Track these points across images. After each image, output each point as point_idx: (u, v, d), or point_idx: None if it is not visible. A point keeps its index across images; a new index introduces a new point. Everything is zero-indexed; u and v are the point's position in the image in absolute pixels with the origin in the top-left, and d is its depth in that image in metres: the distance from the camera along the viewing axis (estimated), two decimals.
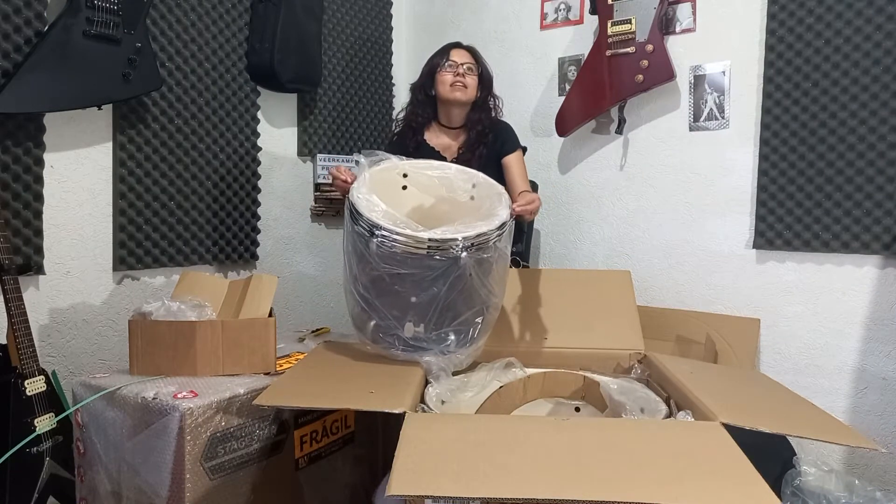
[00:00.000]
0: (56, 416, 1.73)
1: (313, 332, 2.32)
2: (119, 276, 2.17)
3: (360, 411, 1.75)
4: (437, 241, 1.51)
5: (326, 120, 2.83)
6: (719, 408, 1.31)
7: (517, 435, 1.20)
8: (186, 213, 2.31)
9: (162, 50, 2.21)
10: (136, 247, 2.17)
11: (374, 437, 1.98)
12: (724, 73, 2.48)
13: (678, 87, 2.56)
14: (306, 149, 2.77)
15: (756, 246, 2.40)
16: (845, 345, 2.26)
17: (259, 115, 2.57)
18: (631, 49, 2.51)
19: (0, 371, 1.69)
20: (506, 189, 2.10)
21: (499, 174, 2.22)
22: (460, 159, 2.18)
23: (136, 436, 1.51)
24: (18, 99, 1.79)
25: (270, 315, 1.80)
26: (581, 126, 2.74)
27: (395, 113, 3.16)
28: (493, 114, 2.27)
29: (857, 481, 1.99)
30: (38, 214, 1.93)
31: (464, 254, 1.51)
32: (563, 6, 2.85)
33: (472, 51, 2.24)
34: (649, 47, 2.48)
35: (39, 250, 1.93)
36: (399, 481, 1.01)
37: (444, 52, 2.22)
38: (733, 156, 2.46)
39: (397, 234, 1.52)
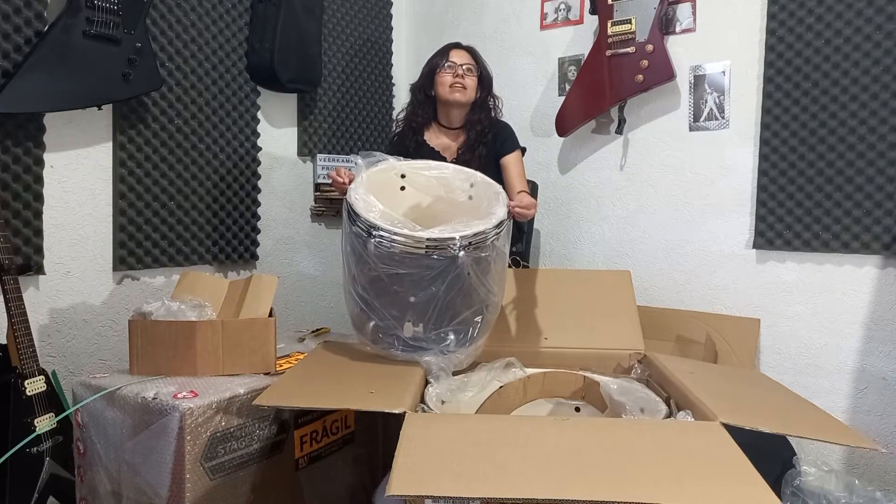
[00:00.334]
0: (56, 416, 1.73)
1: (313, 332, 2.32)
2: (119, 276, 2.17)
3: (360, 411, 1.75)
4: (434, 240, 1.51)
5: (326, 120, 2.83)
6: (719, 408, 1.31)
7: (517, 435, 1.20)
8: (186, 213, 2.31)
9: (162, 50, 2.21)
10: (136, 247, 2.17)
11: (374, 437, 1.98)
12: (724, 73, 2.48)
13: (678, 87, 2.56)
14: (306, 149, 2.77)
15: (756, 246, 2.40)
16: (845, 345, 2.26)
17: (259, 115, 2.57)
18: (631, 49, 2.51)
19: (0, 371, 1.69)
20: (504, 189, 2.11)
21: (498, 174, 2.22)
22: (460, 159, 2.18)
23: (136, 436, 1.51)
24: (18, 99, 1.79)
25: (270, 315, 1.80)
26: (581, 126, 2.74)
27: (395, 113, 3.16)
28: (493, 114, 2.27)
29: (857, 481, 1.99)
30: (38, 214, 1.93)
31: (461, 253, 1.51)
32: (563, 6, 2.85)
33: (471, 51, 2.24)
34: (649, 47, 2.48)
35: (39, 250, 1.93)
36: (399, 481, 1.01)
37: (444, 52, 2.22)
38: (733, 156, 2.46)
39: (395, 234, 1.52)
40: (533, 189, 2.57)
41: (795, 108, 2.29)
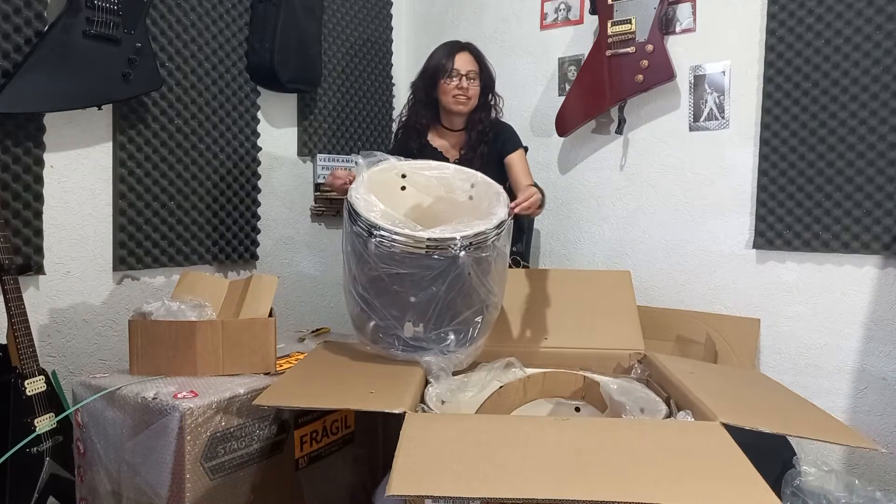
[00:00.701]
0: (56, 416, 1.73)
1: (313, 332, 2.32)
2: (119, 276, 2.17)
3: (360, 411, 1.75)
4: (435, 240, 1.51)
5: (326, 120, 2.83)
6: (719, 408, 1.31)
7: (517, 435, 1.20)
8: (186, 213, 2.31)
9: (162, 50, 2.21)
10: (136, 247, 2.17)
11: (374, 437, 1.98)
12: (724, 73, 2.48)
13: (678, 87, 2.56)
14: (306, 149, 2.77)
15: (756, 246, 2.40)
16: (845, 345, 2.26)
17: (259, 115, 2.57)
18: (631, 49, 2.51)
19: (0, 371, 1.69)
20: (511, 188, 2.11)
21: (500, 174, 2.22)
22: (462, 160, 2.18)
23: (136, 436, 1.51)
24: (18, 99, 1.79)
25: (270, 315, 1.80)
26: (581, 126, 2.74)
27: (394, 113, 3.17)
28: (494, 113, 2.27)
29: (857, 481, 1.99)
30: (38, 214, 1.93)
31: (462, 253, 1.51)
32: (563, 6, 2.85)
33: (474, 53, 2.21)
34: (649, 47, 2.48)
35: (39, 250, 1.93)
36: (399, 481, 1.01)
37: (449, 55, 2.17)
38: (733, 156, 2.46)
39: (396, 233, 1.52)
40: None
41: (795, 108, 2.29)
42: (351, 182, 1.71)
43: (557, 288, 2.04)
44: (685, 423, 1.33)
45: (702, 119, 2.53)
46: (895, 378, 2.19)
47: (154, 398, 1.49)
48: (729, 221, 2.47)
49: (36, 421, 1.69)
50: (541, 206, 1.90)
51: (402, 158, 1.87)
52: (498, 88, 2.30)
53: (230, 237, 2.46)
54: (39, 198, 1.93)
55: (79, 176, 2.05)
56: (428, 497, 1.02)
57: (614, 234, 2.73)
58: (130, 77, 2.00)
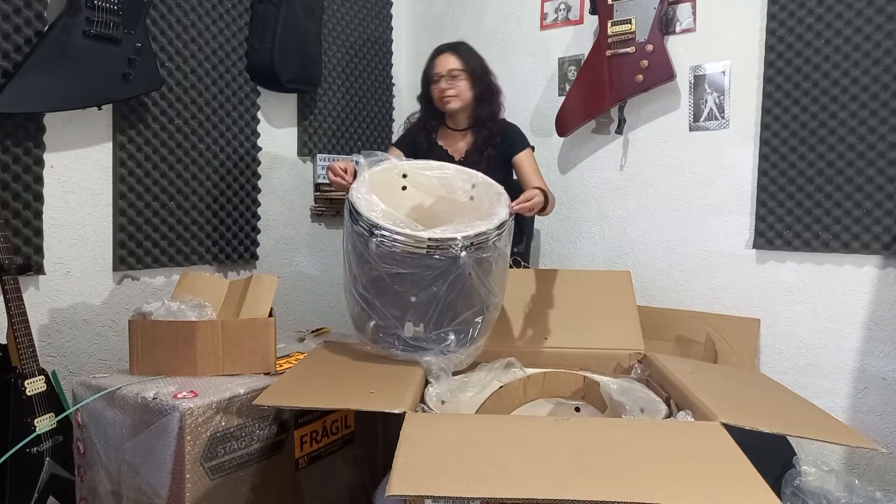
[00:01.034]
0: (56, 416, 1.73)
1: (313, 332, 2.31)
2: (119, 276, 2.17)
3: (360, 411, 1.75)
4: (436, 240, 1.51)
5: (326, 120, 2.83)
6: (719, 408, 1.31)
7: (517, 435, 1.20)
8: (186, 213, 2.31)
9: (162, 50, 2.21)
10: (136, 247, 2.17)
11: (374, 437, 1.98)
12: (724, 73, 2.48)
13: (678, 87, 2.56)
14: (306, 149, 2.77)
15: (756, 246, 2.40)
16: (845, 345, 2.26)
17: (259, 115, 2.57)
18: (631, 49, 2.51)
19: (0, 371, 1.69)
20: (521, 187, 2.11)
21: (507, 175, 2.23)
22: (468, 160, 2.19)
23: (136, 436, 1.51)
24: (18, 99, 1.79)
25: (270, 315, 1.80)
26: (581, 126, 2.74)
27: (394, 113, 3.17)
28: (499, 109, 2.28)
29: (857, 481, 1.99)
30: (38, 214, 1.93)
31: (463, 253, 1.51)
32: (563, 6, 2.85)
33: (455, 51, 2.23)
34: (649, 47, 2.48)
35: (39, 250, 1.93)
36: (399, 481, 1.01)
37: (430, 61, 2.24)
38: (733, 156, 2.46)
39: (397, 233, 1.52)
40: None
41: (795, 108, 2.30)
42: (350, 177, 1.72)
43: (557, 288, 2.04)
44: (685, 423, 1.33)
45: (702, 119, 2.53)
46: (895, 378, 2.19)
47: (154, 398, 1.49)
48: (729, 221, 2.48)
49: (36, 421, 1.69)
50: (544, 208, 1.91)
51: (403, 158, 1.87)
52: None
53: (230, 237, 2.46)
54: (39, 198, 1.93)
55: (79, 176, 2.05)
56: (428, 497, 1.02)
57: (614, 234, 2.73)
58: (130, 77, 2.00)
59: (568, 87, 2.79)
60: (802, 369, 2.33)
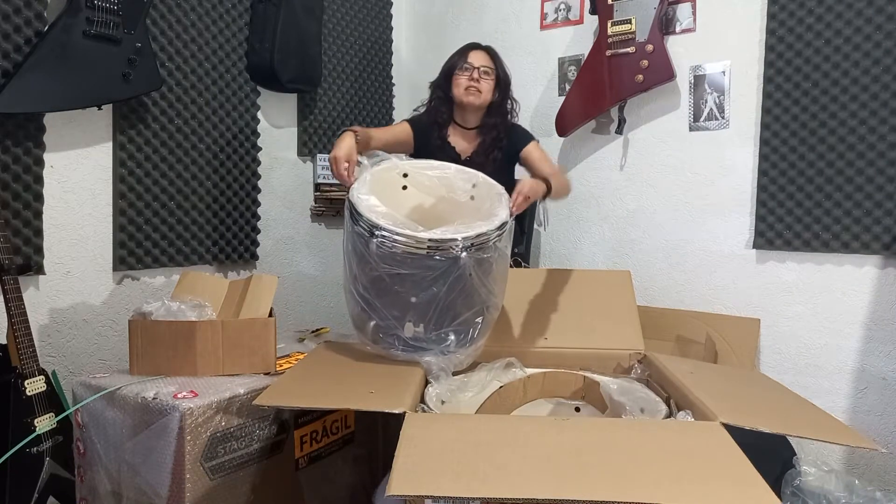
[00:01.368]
0: (56, 416, 1.73)
1: (313, 332, 2.31)
2: (119, 276, 2.17)
3: (360, 411, 1.75)
4: (436, 241, 1.51)
5: (326, 120, 2.83)
6: (719, 408, 1.31)
7: (517, 435, 1.20)
8: (186, 213, 2.31)
9: (162, 50, 2.21)
10: (136, 247, 2.17)
11: (374, 437, 1.98)
12: (724, 73, 2.48)
13: (678, 87, 2.56)
14: (306, 149, 2.77)
15: (756, 246, 2.40)
16: (845, 345, 2.26)
17: (259, 115, 2.57)
18: (631, 49, 2.51)
19: (0, 371, 1.69)
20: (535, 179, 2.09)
21: (510, 177, 2.22)
22: (473, 161, 2.17)
23: (136, 436, 1.51)
24: (18, 99, 1.79)
25: (270, 315, 1.80)
26: (581, 126, 2.74)
27: (394, 113, 3.17)
28: (510, 117, 2.27)
29: (857, 481, 1.99)
30: (38, 214, 1.93)
31: (464, 254, 1.51)
32: (563, 6, 2.85)
33: (490, 52, 2.24)
34: (649, 47, 2.48)
35: (39, 250, 1.93)
36: (399, 481, 1.01)
37: (463, 52, 2.22)
38: (733, 156, 2.46)
39: (397, 234, 1.51)
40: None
41: (795, 108, 2.30)
42: (351, 174, 1.71)
43: (557, 288, 2.04)
44: (685, 423, 1.33)
45: (702, 119, 2.53)
46: (895, 378, 2.19)
47: (154, 398, 1.49)
48: (729, 221, 2.48)
49: (36, 421, 1.69)
50: (549, 192, 1.86)
51: (403, 158, 1.86)
52: None
53: (230, 237, 2.46)
54: (39, 198, 1.93)
55: (79, 176, 2.05)
56: (428, 497, 1.02)
57: (614, 234, 2.73)
58: (130, 77, 2.00)
59: (568, 87, 2.79)
60: (802, 369, 2.33)
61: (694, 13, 2.54)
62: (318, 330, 2.34)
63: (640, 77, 2.51)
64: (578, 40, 2.80)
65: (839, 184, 2.23)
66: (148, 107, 2.17)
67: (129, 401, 1.53)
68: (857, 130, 2.19)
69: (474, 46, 2.24)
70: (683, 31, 2.56)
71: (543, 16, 2.90)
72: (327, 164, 2.81)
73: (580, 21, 2.80)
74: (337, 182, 2.26)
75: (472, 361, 1.72)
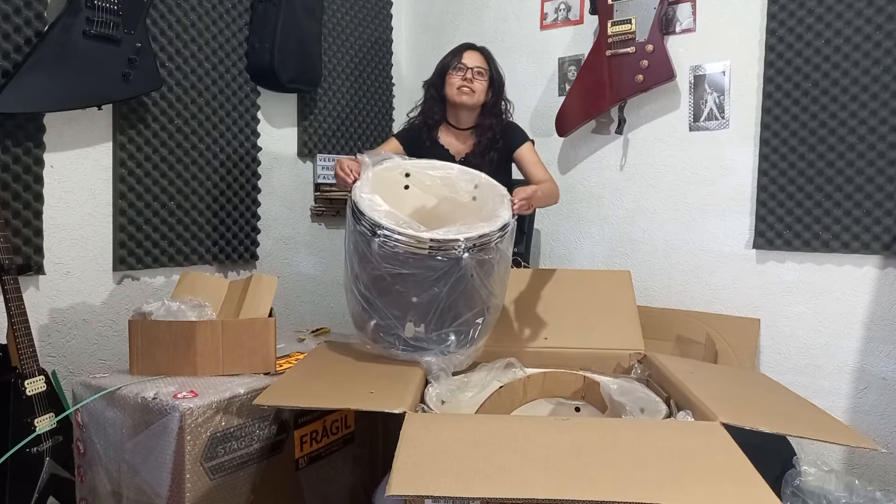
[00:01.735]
0: (56, 416, 1.73)
1: (313, 332, 2.31)
2: (119, 276, 2.17)
3: (360, 411, 1.75)
4: (438, 241, 1.51)
5: (326, 120, 2.83)
6: (719, 408, 1.31)
7: (517, 435, 1.20)
8: (186, 213, 2.31)
9: (162, 50, 2.21)
10: (136, 247, 2.17)
11: (374, 437, 1.98)
12: (724, 73, 2.48)
13: (678, 87, 2.56)
14: (306, 149, 2.77)
15: (756, 246, 2.40)
16: (845, 345, 2.26)
17: (259, 115, 2.57)
18: (631, 49, 2.51)
19: (0, 371, 1.69)
20: (526, 182, 2.10)
21: (508, 177, 2.22)
22: (469, 162, 2.17)
23: (136, 436, 1.51)
24: (18, 99, 1.79)
25: (270, 315, 1.80)
26: (581, 126, 2.73)
27: (394, 113, 3.17)
28: (504, 118, 2.27)
29: (857, 481, 1.99)
30: (38, 214, 1.93)
31: (465, 255, 1.51)
32: (563, 6, 2.85)
33: (484, 53, 2.24)
34: (649, 47, 2.48)
35: (39, 250, 1.93)
36: (399, 481, 1.01)
37: (457, 52, 2.22)
38: (733, 156, 2.46)
39: (399, 233, 1.51)
40: None
41: (795, 108, 2.30)
42: (355, 177, 1.71)
43: (557, 288, 2.04)
44: (685, 423, 1.33)
45: (702, 119, 2.53)
46: (895, 378, 2.19)
47: (154, 398, 1.49)
48: (729, 221, 2.48)
49: (36, 421, 1.69)
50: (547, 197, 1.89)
51: (406, 157, 1.86)
52: None
53: (230, 237, 2.46)
54: (39, 198, 1.93)
55: (79, 176, 2.05)
56: (428, 497, 1.02)
57: (614, 234, 2.73)
58: (130, 77, 2.00)
59: (568, 87, 2.79)
60: (802, 369, 2.33)
61: (694, 13, 2.54)
62: (318, 330, 2.34)
63: (640, 77, 2.51)
64: (578, 40, 2.80)
65: (839, 184, 2.23)
66: (148, 107, 2.17)
67: (129, 401, 1.53)
68: (857, 130, 2.19)
69: (468, 47, 2.24)
70: (683, 31, 2.56)
71: (543, 16, 2.90)
72: (327, 164, 2.82)
73: (580, 21, 2.80)
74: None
75: (472, 362, 1.72)
